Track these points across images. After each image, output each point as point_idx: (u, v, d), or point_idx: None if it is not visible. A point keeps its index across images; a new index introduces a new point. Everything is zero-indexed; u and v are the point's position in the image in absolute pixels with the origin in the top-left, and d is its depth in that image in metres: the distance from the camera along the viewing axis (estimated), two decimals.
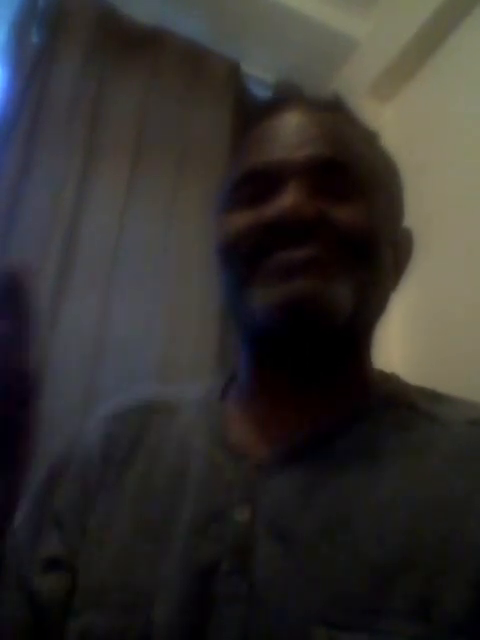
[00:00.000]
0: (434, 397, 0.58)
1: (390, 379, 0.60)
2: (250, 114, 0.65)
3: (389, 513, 0.48)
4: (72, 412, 1.29)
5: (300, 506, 0.50)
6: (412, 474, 0.50)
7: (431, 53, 1.62)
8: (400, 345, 1.44)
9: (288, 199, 0.53)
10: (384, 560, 0.46)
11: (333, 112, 0.61)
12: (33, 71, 1.55)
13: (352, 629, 0.43)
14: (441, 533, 0.46)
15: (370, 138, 0.64)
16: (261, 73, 1.89)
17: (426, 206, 1.48)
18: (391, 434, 0.54)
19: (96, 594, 0.52)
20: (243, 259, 0.55)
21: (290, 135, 0.57)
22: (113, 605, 0.50)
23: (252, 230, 0.54)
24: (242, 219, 0.56)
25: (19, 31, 1.57)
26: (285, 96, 0.63)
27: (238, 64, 1.86)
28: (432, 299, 1.42)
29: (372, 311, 0.58)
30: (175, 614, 0.47)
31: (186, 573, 0.49)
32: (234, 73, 1.84)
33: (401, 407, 0.56)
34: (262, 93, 1.86)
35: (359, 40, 1.83)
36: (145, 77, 1.71)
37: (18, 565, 0.56)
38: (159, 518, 0.54)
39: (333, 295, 0.52)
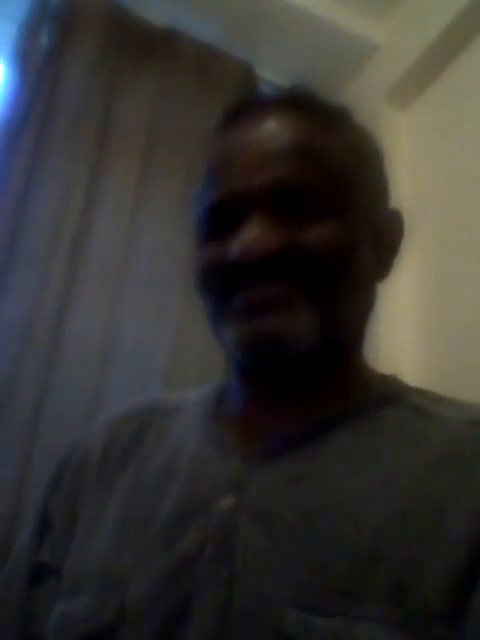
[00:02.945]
0: (434, 398, 0.58)
1: (388, 380, 0.61)
2: (219, 119, 0.62)
3: (373, 500, 0.49)
4: (78, 422, 1.28)
5: (284, 493, 0.51)
6: (401, 466, 0.51)
7: (450, 60, 1.59)
8: (414, 351, 1.43)
9: (248, 234, 0.52)
10: (364, 545, 0.46)
11: (298, 108, 0.58)
12: (43, 72, 1.54)
13: (327, 613, 0.44)
14: (425, 523, 0.46)
15: (340, 124, 0.60)
16: (276, 77, 1.86)
17: (443, 215, 1.46)
18: (384, 429, 0.54)
19: (79, 581, 0.55)
20: (214, 296, 0.57)
21: (249, 156, 0.55)
22: (92, 590, 0.53)
23: (218, 268, 0.55)
24: (210, 255, 0.56)
25: (29, 31, 1.55)
26: (249, 99, 0.63)
27: (252, 67, 1.84)
28: (447, 304, 1.42)
29: (349, 320, 0.58)
30: (151, 598, 0.49)
31: (168, 559, 0.50)
32: (248, 76, 1.82)
33: (398, 405, 0.56)
34: None
35: (376, 45, 1.80)
36: (157, 79, 1.70)
37: (16, 567, 0.62)
38: (145, 512, 0.56)
39: (294, 328, 0.53)
